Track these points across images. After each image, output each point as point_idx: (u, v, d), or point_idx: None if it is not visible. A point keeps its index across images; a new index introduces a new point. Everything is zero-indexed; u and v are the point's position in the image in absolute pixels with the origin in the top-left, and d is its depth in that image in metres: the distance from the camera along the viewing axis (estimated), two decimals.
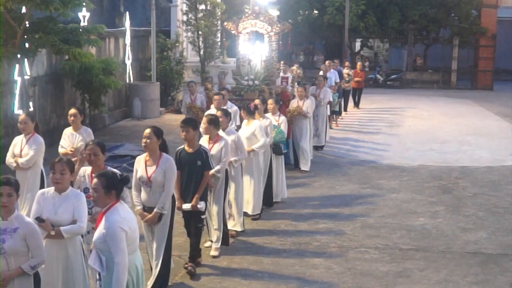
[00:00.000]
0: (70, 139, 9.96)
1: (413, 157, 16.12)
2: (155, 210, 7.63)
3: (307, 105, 14.13)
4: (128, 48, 21.88)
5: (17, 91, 14.56)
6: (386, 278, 8.46)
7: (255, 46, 14.99)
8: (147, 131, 7.62)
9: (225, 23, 15.92)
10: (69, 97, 17.93)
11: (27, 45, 14.19)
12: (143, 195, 7.73)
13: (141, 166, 7.71)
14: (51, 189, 6.38)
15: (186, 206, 8.36)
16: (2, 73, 14.58)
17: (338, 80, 20.77)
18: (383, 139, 18.67)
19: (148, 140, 7.58)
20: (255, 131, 10.48)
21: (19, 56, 14.10)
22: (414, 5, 33.85)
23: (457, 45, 34.46)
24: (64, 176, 6.28)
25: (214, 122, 9.00)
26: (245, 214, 10.46)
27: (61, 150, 9.91)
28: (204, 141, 9.00)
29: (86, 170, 7.15)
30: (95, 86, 17.09)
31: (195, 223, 8.54)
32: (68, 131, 10.07)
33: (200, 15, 23.17)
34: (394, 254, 9.33)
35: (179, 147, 8.51)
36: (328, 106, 17.54)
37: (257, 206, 10.72)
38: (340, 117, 21.25)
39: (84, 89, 17.51)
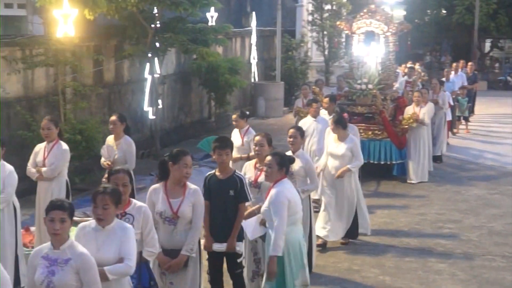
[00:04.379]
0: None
1: None
2: (182, 252, 6.14)
3: (424, 112, 13.29)
4: (253, 48, 22.20)
5: (147, 89, 15.10)
6: None
7: (370, 47, 13.81)
8: (188, 159, 6.19)
9: (338, 23, 15.39)
10: (196, 95, 18.42)
11: (157, 44, 14.69)
12: (163, 234, 6.18)
13: (161, 199, 6.21)
14: (93, 222, 5.33)
15: (218, 246, 6.71)
16: (134, 71, 15.17)
17: (465, 84, 19.84)
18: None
19: (190, 170, 6.19)
20: (352, 148, 9.20)
21: (150, 55, 14.62)
22: None
23: None
24: (107, 211, 5.22)
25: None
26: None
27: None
28: (250, 166, 7.52)
29: None
30: (221, 85, 17.49)
31: (231, 270, 6.91)
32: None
33: (326, 15, 23.22)
34: None
35: (209, 173, 6.94)
36: (448, 111, 16.65)
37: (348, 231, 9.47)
38: (468, 122, 20.27)
39: (210, 88, 17.93)
